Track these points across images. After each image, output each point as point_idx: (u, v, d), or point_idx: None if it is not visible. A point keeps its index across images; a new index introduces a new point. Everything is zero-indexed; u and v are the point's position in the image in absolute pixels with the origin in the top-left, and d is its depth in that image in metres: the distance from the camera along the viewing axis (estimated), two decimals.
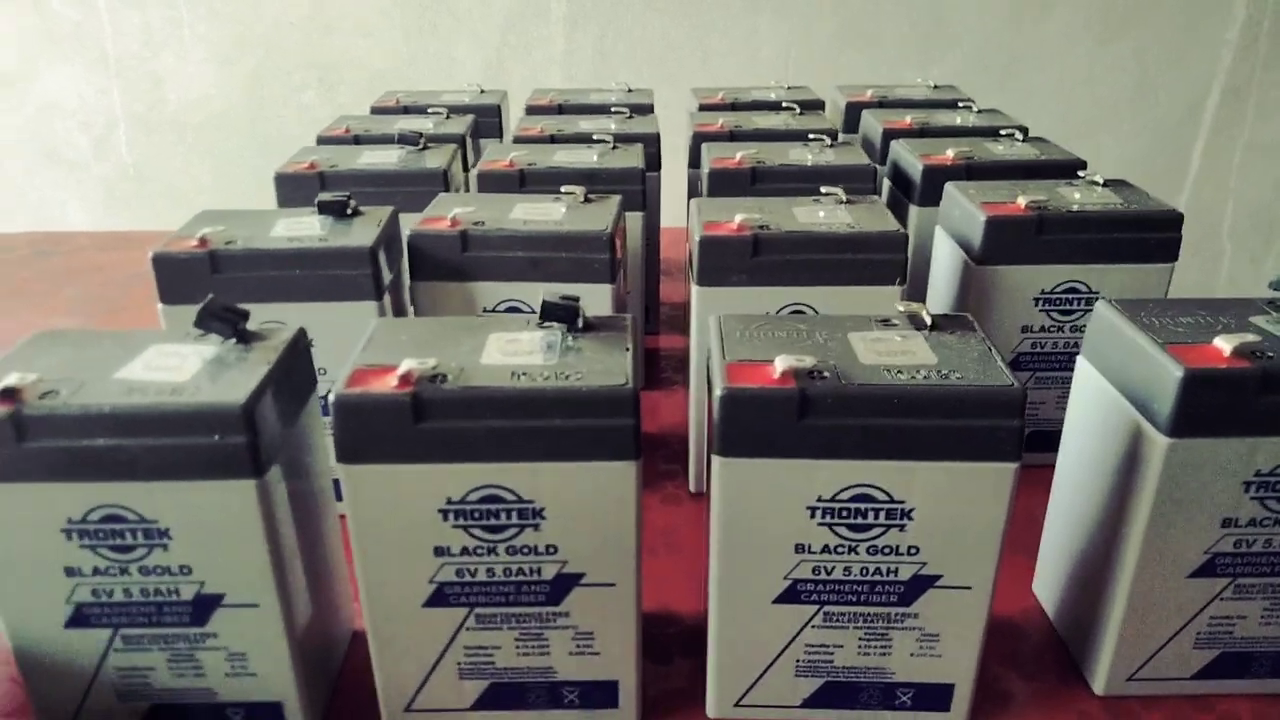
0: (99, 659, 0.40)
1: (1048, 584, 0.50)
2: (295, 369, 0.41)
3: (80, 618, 0.39)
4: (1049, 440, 0.52)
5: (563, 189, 0.59)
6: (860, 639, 0.41)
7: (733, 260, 0.53)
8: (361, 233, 0.53)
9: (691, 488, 0.61)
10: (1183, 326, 0.41)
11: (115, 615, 0.39)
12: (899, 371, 0.37)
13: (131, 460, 0.36)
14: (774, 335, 0.40)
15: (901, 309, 0.42)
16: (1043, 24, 1.81)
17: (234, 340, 0.40)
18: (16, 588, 0.38)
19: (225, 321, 0.40)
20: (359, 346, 0.40)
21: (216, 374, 0.38)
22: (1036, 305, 0.57)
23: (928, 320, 0.41)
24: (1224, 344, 0.38)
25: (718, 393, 0.37)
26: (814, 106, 0.84)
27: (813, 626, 0.41)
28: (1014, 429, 0.36)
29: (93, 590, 0.38)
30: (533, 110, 0.86)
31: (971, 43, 1.81)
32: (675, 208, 0.85)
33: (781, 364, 0.37)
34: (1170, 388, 0.38)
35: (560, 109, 0.85)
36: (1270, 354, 0.38)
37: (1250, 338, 0.38)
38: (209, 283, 0.51)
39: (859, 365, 0.38)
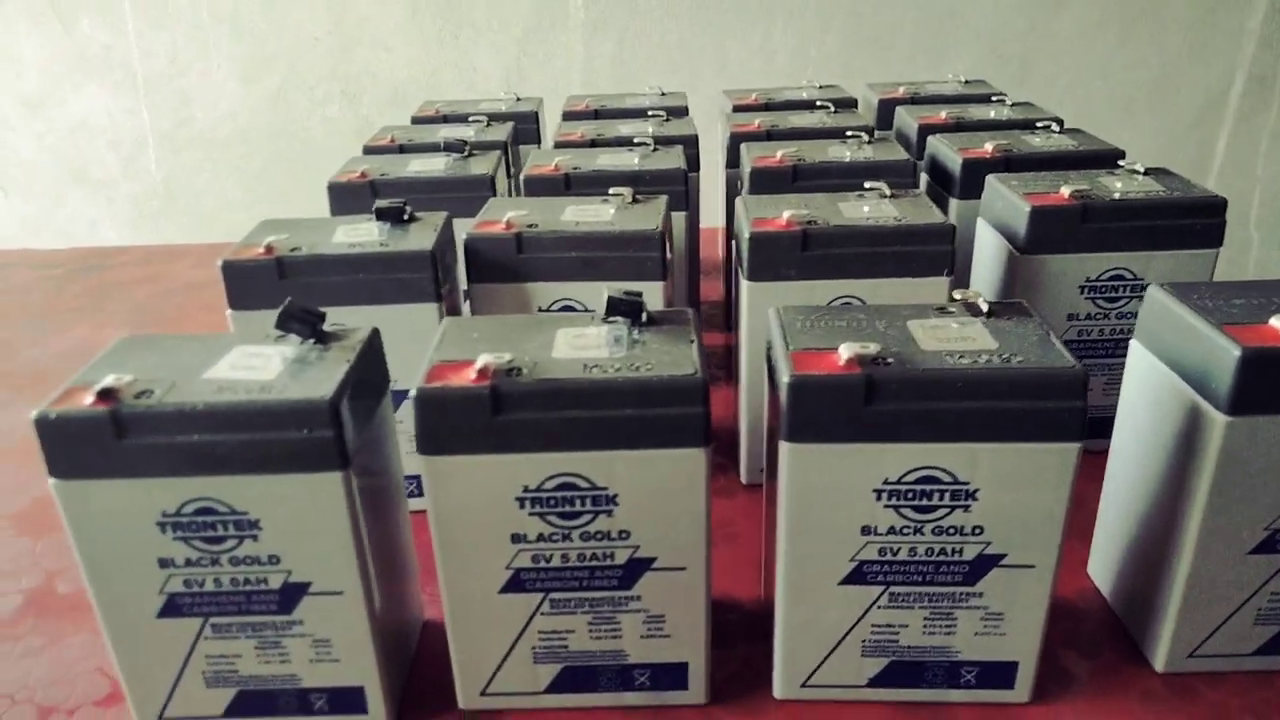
0: (189, 647, 0.42)
1: (1103, 565, 0.50)
2: (371, 368, 0.42)
3: (173, 607, 0.40)
4: (1097, 426, 0.52)
5: (611, 190, 0.60)
6: (925, 619, 0.42)
7: (782, 255, 0.54)
8: (420, 237, 0.55)
9: (743, 479, 0.62)
10: (1236, 308, 0.41)
11: (206, 604, 0.40)
12: (961, 356, 0.38)
13: (224, 455, 0.37)
14: (834, 325, 0.42)
15: (958, 297, 0.43)
16: (1058, 18, 1.81)
17: (312, 340, 0.42)
18: (113, 579, 0.40)
19: (304, 323, 0.42)
20: (433, 344, 0.41)
21: (300, 372, 0.39)
22: (1082, 293, 0.58)
23: (984, 307, 0.42)
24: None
25: (785, 380, 0.38)
26: (847, 105, 0.85)
27: (879, 607, 0.42)
28: (1077, 409, 0.37)
29: (185, 581, 0.40)
30: (570, 116, 0.87)
31: (986, 39, 1.82)
32: (708, 209, 0.86)
33: (847, 351, 0.38)
34: (1229, 366, 0.38)
35: (597, 114, 0.87)
36: None
37: None
38: (276, 288, 0.52)
39: (921, 351, 0.39)
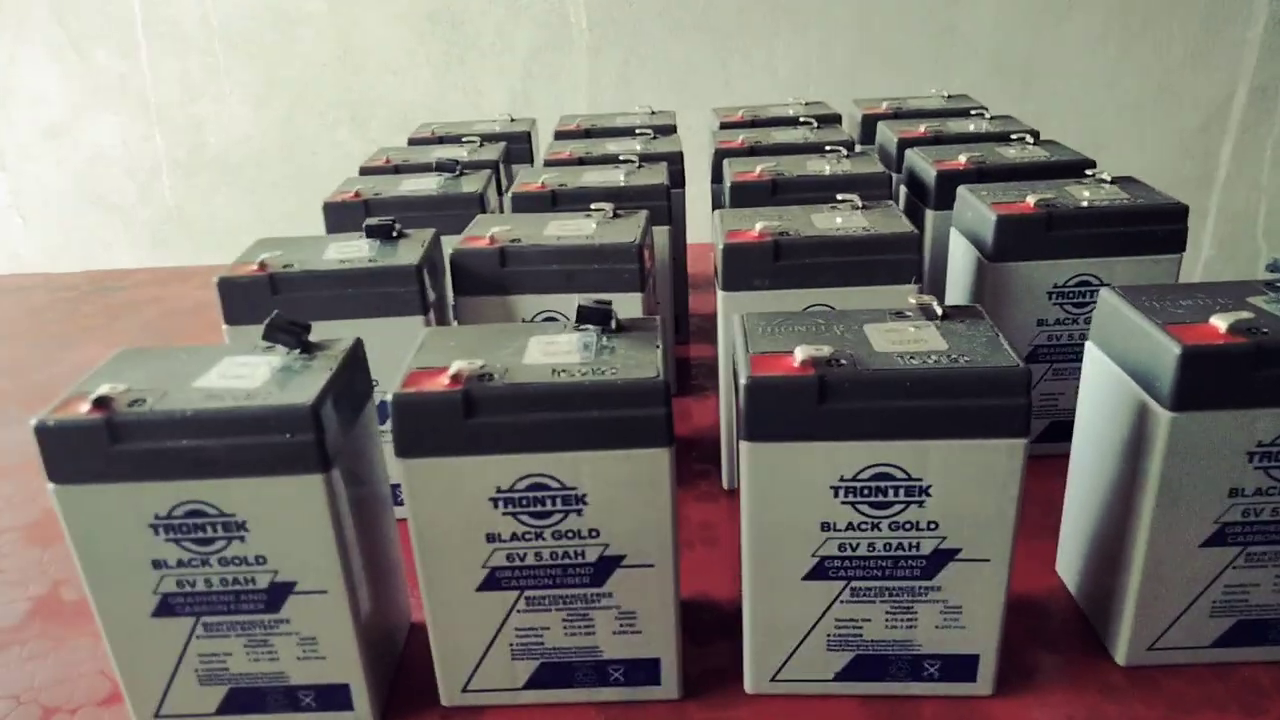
0: (183, 646, 0.44)
1: (1069, 562, 0.52)
2: (354, 376, 0.45)
3: (166, 607, 0.43)
4: (1068, 430, 0.54)
5: (592, 206, 0.62)
6: (887, 613, 0.43)
7: (755, 265, 0.56)
8: (407, 253, 0.57)
9: (725, 485, 0.64)
10: (1182, 308, 0.43)
11: (197, 604, 0.42)
12: (911, 357, 0.40)
13: (213, 459, 0.39)
14: (794, 329, 0.43)
15: (914, 301, 0.44)
16: (1060, 30, 1.83)
17: (298, 351, 0.44)
18: (109, 580, 0.42)
19: (290, 334, 0.44)
20: (412, 352, 0.43)
21: (285, 380, 0.41)
22: (1050, 299, 0.59)
23: (939, 311, 0.44)
24: (1220, 322, 0.41)
25: (743, 382, 0.40)
26: (831, 120, 0.88)
27: (841, 601, 0.43)
28: (1021, 406, 0.39)
29: (177, 581, 0.42)
30: (561, 135, 0.90)
31: (989, 52, 1.84)
32: (700, 225, 0.88)
33: (801, 353, 0.40)
34: (1170, 364, 0.40)
35: (587, 133, 0.89)
36: (1265, 330, 0.40)
37: (1245, 315, 0.41)
38: (269, 304, 0.54)
39: (874, 353, 0.41)
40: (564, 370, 0.41)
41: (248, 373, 0.42)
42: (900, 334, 0.42)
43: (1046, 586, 0.52)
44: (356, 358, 0.45)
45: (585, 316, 0.44)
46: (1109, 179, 0.62)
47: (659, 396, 0.39)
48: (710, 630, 0.50)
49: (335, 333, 0.47)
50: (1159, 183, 0.62)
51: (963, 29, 1.83)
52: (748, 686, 0.46)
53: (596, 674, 0.45)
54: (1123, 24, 1.82)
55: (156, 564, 0.42)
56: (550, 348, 0.43)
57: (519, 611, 0.44)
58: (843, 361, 0.40)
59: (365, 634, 0.44)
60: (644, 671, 0.45)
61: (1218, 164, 1.92)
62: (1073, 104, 1.87)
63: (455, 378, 0.40)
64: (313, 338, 0.45)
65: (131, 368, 0.43)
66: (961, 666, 0.44)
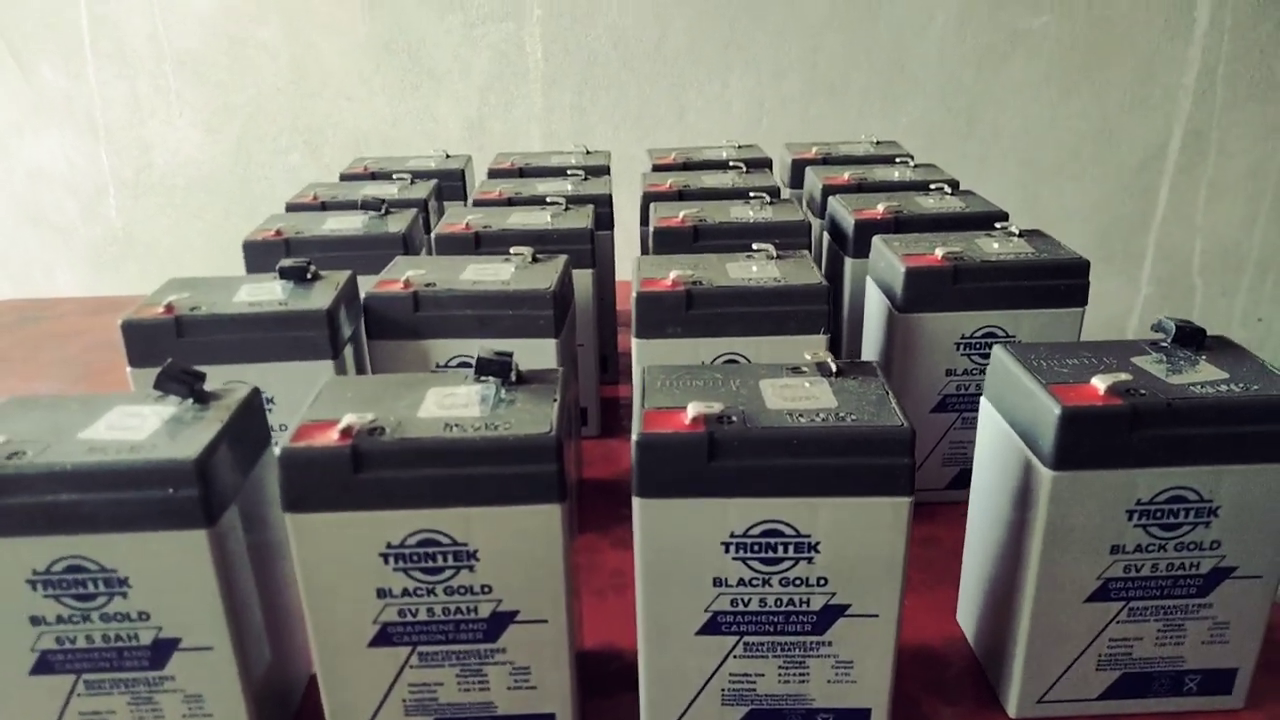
0: (62, 706, 0.42)
1: (968, 613, 0.52)
2: (249, 426, 0.44)
3: (45, 665, 0.41)
4: None
5: (512, 250, 0.63)
6: (780, 667, 0.44)
7: (668, 314, 0.57)
8: (320, 296, 0.57)
9: None
10: (1068, 367, 0.44)
11: (78, 661, 0.41)
12: (800, 415, 0.41)
13: (92, 514, 0.39)
14: (692, 384, 0.44)
15: (809, 357, 0.45)
16: (1003, 71, 1.88)
17: (191, 400, 0.43)
18: None
19: (182, 383, 0.43)
20: (308, 403, 0.43)
21: (174, 432, 0.41)
22: (958, 350, 0.61)
23: (834, 368, 0.45)
24: (1100, 383, 0.42)
25: (634, 438, 0.40)
26: (761, 165, 0.89)
27: (734, 656, 0.43)
28: (905, 466, 0.39)
29: (56, 638, 0.41)
30: (495, 174, 0.90)
31: (935, 90, 1.88)
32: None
33: (693, 410, 0.40)
34: (1050, 424, 0.41)
35: (521, 172, 0.90)
36: (1143, 391, 0.42)
37: (1124, 376, 0.42)
38: (175, 347, 0.54)
39: (765, 410, 0.41)
40: (457, 425, 0.41)
41: (136, 424, 0.42)
42: (793, 390, 0.43)
43: (946, 636, 0.53)
44: (251, 407, 0.44)
45: (484, 368, 0.44)
46: (1017, 232, 0.64)
47: (550, 453, 0.40)
48: (616, 682, 0.50)
49: (244, 377, 0.47)
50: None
51: (908, 67, 1.87)
52: None
53: None
54: (1062, 68, 1.88)
55: (35, 620, 0.40)
56: (448, 400, 0.43)
57: (412, 667, 0.43)
58: (733, 419, 0.40)
59: (256, 689, 0.43)
60: None
61: (1156, 203, 1.98)
62: (1015, 142, 1.93)
63: (345, 432, 0.40)
64: (217, 383, 0.45)
65: (18, 418, 0.42)
66: None
